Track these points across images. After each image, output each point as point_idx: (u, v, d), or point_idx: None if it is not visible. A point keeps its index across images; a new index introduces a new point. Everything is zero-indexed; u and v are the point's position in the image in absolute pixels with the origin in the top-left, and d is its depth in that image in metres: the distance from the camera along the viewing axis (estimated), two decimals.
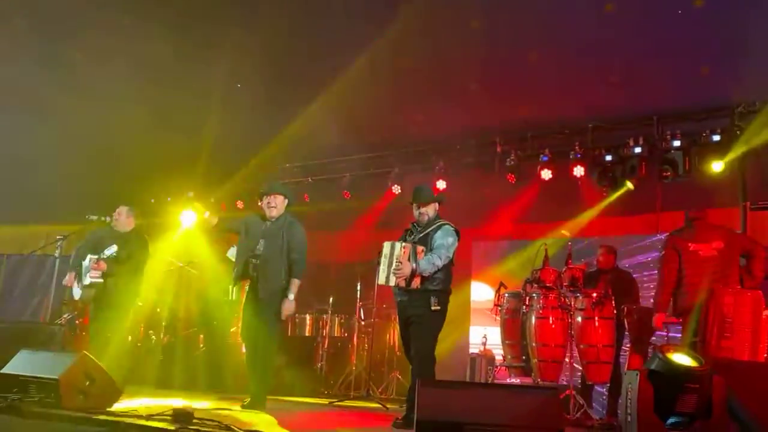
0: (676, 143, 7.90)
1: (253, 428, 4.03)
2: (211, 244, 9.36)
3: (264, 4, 6.60)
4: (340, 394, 8.50)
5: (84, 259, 6.91)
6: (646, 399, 3.83)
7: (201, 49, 7.11)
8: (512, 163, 8.86)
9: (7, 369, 4.97)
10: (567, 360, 6.56)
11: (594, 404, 7.07)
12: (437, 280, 5.36)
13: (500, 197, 9.20)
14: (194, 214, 6.66)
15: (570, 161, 8.45)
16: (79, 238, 7.39)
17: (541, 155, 8.70)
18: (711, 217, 6.26)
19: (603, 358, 6.40)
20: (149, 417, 4.25)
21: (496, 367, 7.74)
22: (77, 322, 8.60)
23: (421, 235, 5.50)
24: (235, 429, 3.97)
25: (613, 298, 6.54)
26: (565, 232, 6.97)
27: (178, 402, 5.57)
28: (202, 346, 9.08)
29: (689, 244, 6.01)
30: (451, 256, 5.41)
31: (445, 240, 5.39)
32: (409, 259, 5.25)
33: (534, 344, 6.52)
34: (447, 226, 5.49)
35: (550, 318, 6.51)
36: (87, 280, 6.82)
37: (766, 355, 5.58)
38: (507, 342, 7.01)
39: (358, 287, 9.19)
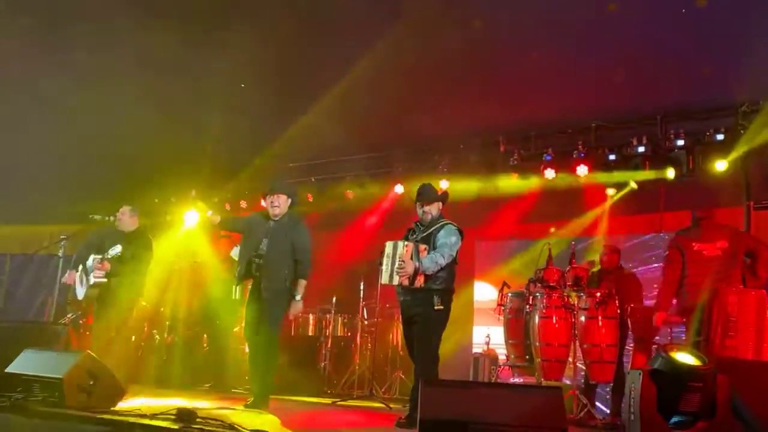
0: (680, 142, 7.88)
1: (256, 428, 4.02)
2: (214, 243, 9.38)
3: (269, 5, 6.60)
4: (344, 393, 8.50)
5: (87, 259, 6.93)
6: (649, 398, 3.82)
7: (206, 49, 7.11)
8: (515, 162, 8.85)
9: (11, 368, 4.97)
10: (570, 359, 6.55)
11: (597, 404, 7.06)
12: (440, 280, 5.35)
13: (503, 197, 9.19)
14: (197, 213, 6.66)
15: (573, 160, 8.42)
16: (83, 238, 7.40)
17: (545, 154, 8.68)
18: (718, 217, 6.26)
19: (606, 357, 6.39)
20: (153, 416, 4.26)
21: (500, 366, 7.74)
22: (81, 321, 8.61)
23: (424, 234, 5.50)
24: (239, 428, 3.97)
25: (616, 297, 6.53)
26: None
27: (182, 401, 5.58)
28: (205, 345, 9.09)
29: (693, 244, 6.01)
30: (454, 255, 5.41)
31: (449, 239, 5.39)
32: (411, 258, 5.25)
33: (537, 344, 6.52)
34: (450, 226, 5.49)
35: (554, 317, 6.50)
36: (91, 280, 6.84)
37: None
38: (510, 341, 7.01)
39: (361, 287, 9.19)
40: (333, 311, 9.36)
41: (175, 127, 8.62)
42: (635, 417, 3.83)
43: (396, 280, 5.28)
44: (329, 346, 9.18)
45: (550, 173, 8.58)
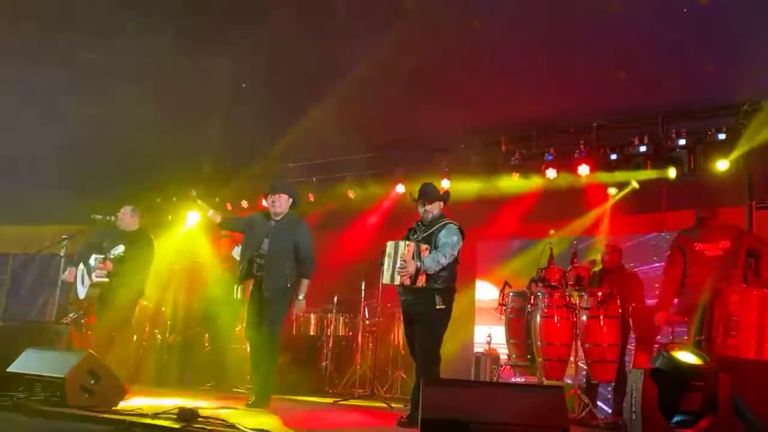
0: (682, 142, 7.86)
1: (258, 427, 4.02)
2: (215, 243, 9.39)
3: (270, 5, 6.61)
4: (345, 393, 8.50)
5: (89, 258, 6.93)
6: (651, 397, 3.81)
7: (207, 48, 7.12)
8: (517, 162, 8.84)
9: (14, 368, 4.99)
10: (572, 359, 6.54)
11: (599, 403, 7.06)
12: (442, 279, 5.35)
13: (505, 196, 9.18)
14: (198, 213, 6.68)
15: (575, 160, 8.41)
16: (84, 238, 7.41)
17: (546, 154, 8.66)
18: (723, 216, 6.26)
19: (608, 357, 6.38)
20: (154, 416, 4.27)
21: (501, 366, 7.74)
22: (83, 321, 8.61)
23: (425, 234, 5.50)
24: (240, 428, 3.97)
25: (618, 297, 6.52)
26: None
27: (183, 401, 5.58)
28: (206, 345, 9.09)
29: (695, 244, 6.02)
30: (455, 254, 5.41)
31: (450, 239, 5.39)
32: (413, 258, 5.25)
33: (539, 343, 6.51)
34: (451, 225, 5.49)
35: (555, 317, 6.50)
36: (93, 280, 6.84)
37: None
38: (512, 341, 7.00)
39: (363, 286, 9.18)
40: (334, 311, 9.36)
41: (176, 127, 8.63)
42: (637, 416, 3.83)
43: (398, 280, 5.28)
44: (330, 345, 9.18)
45: (551, 173, 8.56)
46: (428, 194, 5.57)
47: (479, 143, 9.24)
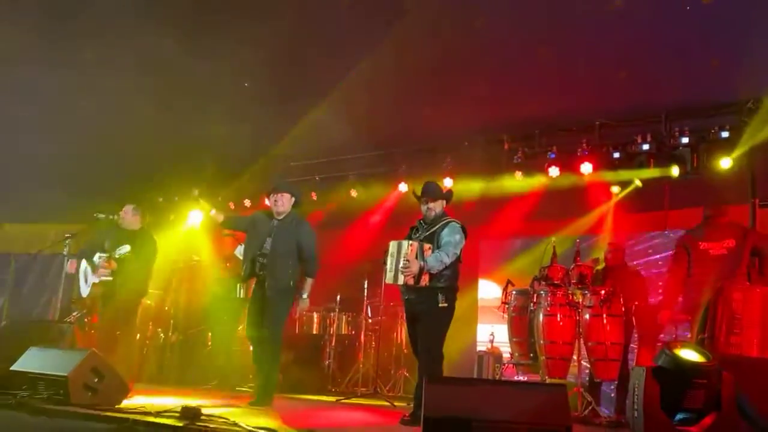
0: (685, 140, 7.85)
1: (260, 425, 4.03)
2: (218, 241, 9.40)
3: (271, 3, 6.61)
4: (348, 391, 8.51)
5: (92, 257, 6.95)
6: (653, 395, 3.81)
7: (209, 48, 7.12)
8: (519, 160, 8.84)
9: (17, 366, 5.01)
10: (575, 357, 6.54)
11: (602, 402, 7.05)
12: (444, 277, 5.35)
13: (508, 195, 9.18)
14: (200, 212, 6.69)
15: (578, 158, 8.40)
16: (87, 237, 7.43)
17: (549, 152, 8.66)
18: (731, 214, 6.26)
19: (611, 355, 6.37)
20: (157, 414, 4.28)
21: (504, 364, 7.73)
22: (86, 320, 8.64)
23: (428, 233, 5.50)
24: (242, 426, 3.98)
25: (621, 295, 6.51)
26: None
27: (186, 399, 5.59)
28: (209, 344, 9.10)
29: (699, 243, 6.04)
30: (458, 253, 5.41)
31: (453, 237, 5.39)
32: (416, 257, 5.24)
33: (542, 341, 6.50)
34: (454, 223, 5.49)
35: (558, 315, 6.48)
36: (96, 278, 6.86)
37: None
38: (514, 339, 6.99)
39: (365, 285, 9.19)
40: (337, 309, 9.36)
41: (178, 127, 8.63)
42: (639, 414, 3.82)
43: (401, 280, 5.28)
44: (333, 344, 9.19)
45: (554, 171, 8.55)
46: (431, 192, 5.57)
47: (482, 142, 9.23)
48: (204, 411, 4.24)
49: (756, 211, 7.63)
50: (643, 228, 8.96)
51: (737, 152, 7.50)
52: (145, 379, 8.02)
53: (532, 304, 6.78)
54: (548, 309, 6.52)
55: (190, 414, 4.12)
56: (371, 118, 8.62)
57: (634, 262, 8.02)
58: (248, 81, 7.83)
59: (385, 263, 5.48)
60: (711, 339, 5.43)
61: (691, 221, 7.05)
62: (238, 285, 8.81)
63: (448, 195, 5.68)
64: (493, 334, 8.44)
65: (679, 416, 3.88)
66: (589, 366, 6.58)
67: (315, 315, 9.55)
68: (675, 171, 7.92)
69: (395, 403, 7.17)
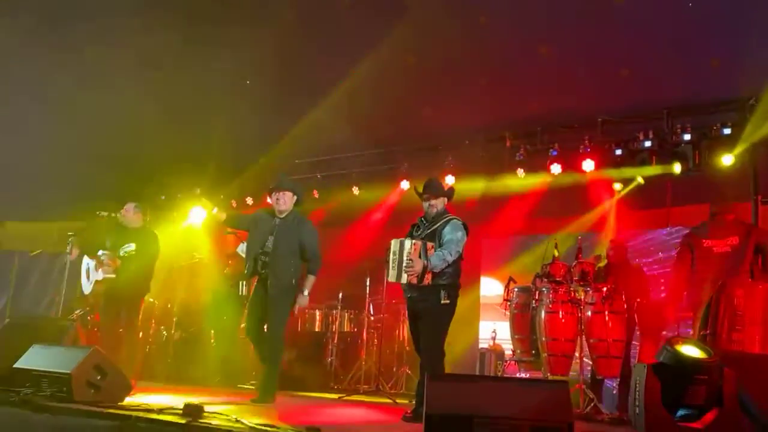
0: (687, 137, 7.85)
1: (263, 422, 4.04)
2: (220, 239, 9.41)
3: (273, 2, 6.61)
4: (350, 388, 8.52)
5: (95, 253, 6.97)
6: (654, 391, 3.81)
7: (211, 46, 7.13)
8: (521, 158, 8.83)
9: (20, 364, 5.02)
10: (577, 354, 6.54)
11: (604, 399, 7.05)
12: (447, 275, 5.36)
13: (510, 192, 9.18)
14: (203, 210, 6.70)
15: (579, 155, 8.40)
16: (90, 234, 7.44)
17: (551, 150, 8.65)
18: (737, 212, 6.27)
19: (613, 352, 6.36)
20: (160, 411, 4.29)
21: (506, 361, 7.73)
22: (89, 318, 8.67)
23: (429, 230, 5.50)
24: (245, 423, 3.98)
25: (623, 292, 6.51)
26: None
27: (189, 396, 5.60)
28: (212, 341, 9.12)
29: (703, 241, 6.05)
30: (460, 250, 5.41)
31: (454, 235, 5.39)
32: (420, 256, 5.25)
33: (544, 339, 6.50)
34: (455, 221, 5.49)
35: (560, 312, 6.48)
36: (99, 276, 6.87)
37: None
38: (516, 336, 6.99)
39: (368, 283, 9.20)
40: (339, 307, 9.37)
41: (180, 125, 8.65)
42: (640, 410, 3.83)
43: (404, 279, 5.28)
44: (336, 341, 9.20)
45: (556, 168, 8.55)
46: (433, 188, 5.58)
47: (483, 139, 9.23)
48: (206, 408, 4.25)
49: (758, 208, 7.63)
50: (645, 225, 8.95)
51: (739, 149, 7.49)
52: (148, 377, 8.03)
53: (534, 302, 6.78)
54: (550, 306, 6.52)
55: (193, 411, 4.13)
56: (373, 116, 8.63)
57: (636, 259, 8.02)
58: (250, 79, 7.84)
59: (387, 261, 5.48)
60: (713, 336, 5.43)
61: (693, 218, 7.06)
62: (240, 283, 8.83)
63: (449, 192, 5.68)
64: (495, 331, 8.43)
65: (680, 412, 3.88)
66: (591, 363, 6.57)
67: (317, 312, 9.56)
68: (677, 168, 7.90)
69: (397, 400, 7.18)
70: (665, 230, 8.64)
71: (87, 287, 7.10)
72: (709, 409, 3.85)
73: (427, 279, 5.26)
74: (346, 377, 9.01)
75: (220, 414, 4.24)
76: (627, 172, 8.38)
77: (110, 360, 5.00)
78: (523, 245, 9.41)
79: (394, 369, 9.08)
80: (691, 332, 5.99)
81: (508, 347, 7.70)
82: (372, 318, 9.33)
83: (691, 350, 3.96)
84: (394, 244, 5.41)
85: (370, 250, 9.02)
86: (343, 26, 6.93)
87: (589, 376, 6.68)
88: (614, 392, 7.15)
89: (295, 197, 6.24)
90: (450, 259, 5.29)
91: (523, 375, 7.28)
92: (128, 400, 4.88)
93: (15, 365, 5.01)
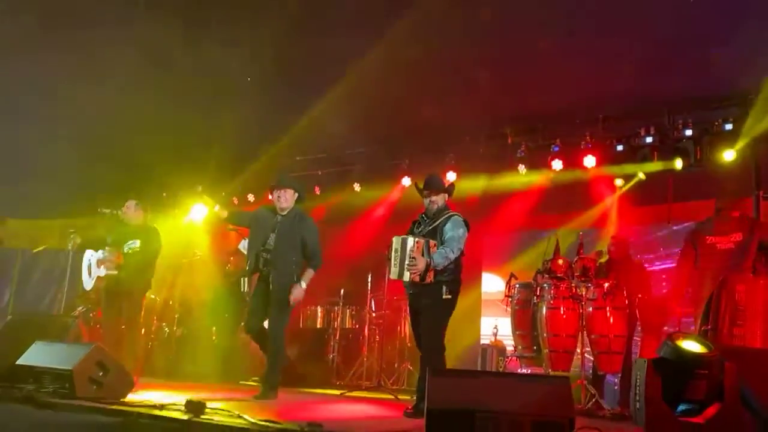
0: (688, 132, 7.84)
1: (265, 418, 4.04)
2: (222, 236, 9.42)
3: None
4: (352, 384, 8.54)
5: (97, 249, 6.98)
6: (655, 386, 3.81)
7: (213, 43, 7.13)
8: (523, 154, 8.83)
9: (23, 360, 5.03)
10: (578, 350, 6.54)
11: (606, 394, 7.05)
12: (448, 271, 5.37)
13: (511, 189, 9.18)
14: (204, 207, 6.71)
15: (581, 151, 8.40)
16: (92, 231, 7.46)
17: (552, 146, 8.65)
18: (742, 208, 6.28)
19: (614, 348, 6.38)
20: (162, 407, 4.30)
21: (507, 357, 7.74)
22: (91, 315, 8.68)
23: (430, 227, 5.50)
24: (247, 419, 3.99)
25: (624, 288, 6.51)
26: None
27: (191, 393, 5.61)
28: (214, 338, 9.14)
29: (706, 238, 6.07)
30: (462, 247, 5.42)
31: (456, 232, 5.39)
32: (422, 254, 5.25)
33: (545, 334, 6.51)
34: (456, 217, 5.49)
35: (562, 308, 6.49)
36: (102, 272, 6.88)
37: None
38: (518, 332, 7.00)
39: (369, 279, 9.21)
40: (341, 303, 9.39)
41: (181, 121, 8.64)
42: (641, 405, 3.83)
43: (407, 277, 5.28)
44: (337, 338, 9.22)
45: (557, 164, 8.54)
46: (434, 185, 5.58)
47: (485, 136, 9.22)
48: (208, 404, 4.26)
49: (760, 203, 7.63)
50: (646, 221, 8.95)
51: (740, 144, 7.48)
52: (150, 373, 8.04)
53: (535, 297, 6.79)
54: (551, 302, 6.53)
55: (195, 407, 4.13)
56: (374, 112, 8.62)
57: (638, 256, 8.02)
58: (251, 75, 7.83)
59: (389, 258, 5.49)
60: (714, 331, 5.44)
61: (695, 214, 7.06)
62: (242, 279, 8.82)
63: (450, 188, 5.68)
64: (496, 327, 8.44)
65: (681, 407, 3.89)
66: (592, 359, 6.58)
67: (319, 309, 9.59)
68: (678, 164, 7.90)
69: (399, 396, 7.19)
70: (667, 226, 8.63)
71: (88, 283, 7.11)
72: (710, 403, 3.85)
73: (430, 277, 5.27)
74: (348, 373, 9.02)
75: (222, 410, 4.25)
76: (628, 168, 8.37)
77: (112, 356, 5.02)
78: (525, 242, 9.40)
79: (396, 365, 9.09)
80: (693, 328, 6.00)
81: (509, 343, 7.71)
82: (373, 314, 9.35)
83: (691, 345, 3.96)
84: (396, 241, 5.41)
85: (371, 247, 9.02)
86: (344, 22, 6.92)
87: (591, 371, 6.70)
88: (615, 388, 7.16)
89: (297, 194, 6.25)
90: (452, 256, 5.30)
91: (524, 371, 7.29)
92: (130, 397, 4.88)
93: (18, 362, 5.02)
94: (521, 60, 7.46)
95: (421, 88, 8.11)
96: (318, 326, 9.53)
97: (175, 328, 9.32)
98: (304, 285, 6.05)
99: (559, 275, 6.66)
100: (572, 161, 8.50)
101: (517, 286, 7.07)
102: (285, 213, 6.18)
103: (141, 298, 7.24)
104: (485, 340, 9.00)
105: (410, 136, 9.63)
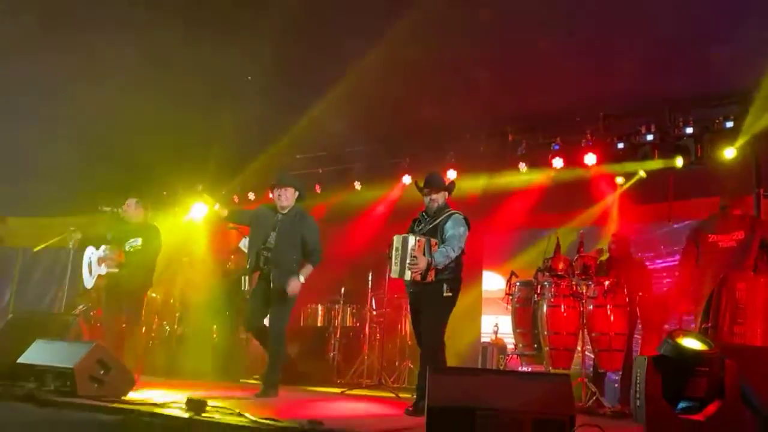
0: (689, 130, 7.84)
1: (266, 416, 4.05)
2: (223, 235, 9.43)
3: None
4: (353, 383, 8.55)
5: (98, 247, 6.99)
6: (655, 384, 3.81)
7: (212, 41, 7.13)
8: (523, 152, 8.83)
9: (24, 359, 5.04)
10: (579, 348, 6.54)
11: (607, 392, 7.06)
12: (449, 269, 5.39)
13: (512, 187, 9.18)
14: (204, 206, 6.72)
15: (581, 149, 8.39)
16: (92, 229, 7.47)
17: (553, 144, 8.65)
18: (745, 206, 6.29)
19: (615, 346, 6.37)
20: (163, 405, 4.30)
21: (508, 355, 7.74)
22: (92, 313, 8.69)
23: (431, 225, 5.51)
24: (248, 417, 4.00)
25: (624, 286, 6.52)
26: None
27: (192, 391, 5.61)
28: (215, 336, 9.15)
29: (708, 236, 6.07)
30: (463, 245, 5.42)
31: (457, 230, 5.40)
32: (424, 254, 5.25)
33: (545, 332, 6.51)
34: (457, 215, 5.50)
35: (562, 306, 6.49)
36: (103, 270, 6.89)
37: None
38: (518, 330, 7.00)
39: (370, 278, 9.21)
40: (342, 302, 9.40)
41: (182, 121, 8.65)
42: (641, 403, 3.83)
43: (408, 276, 5.29)
44: (338, 336, 9.23)
45: (558, 162, 8.55)
46: (434, 183, 5.58)
47: (485, 134, 9.22)
48: (209, 402, 4.27)
49: (761, 201, 7.62)
50: (647, 219, 8.95)
51: (740, 142, 7.47)
52: (151, 372, 8.05)
53: (536, 296, 6.79)
54: (552, 300, 6.53)
55: (196, 405, 4.13)
56: (374, 110, 8.62)
57: (639, 254, 8.02)
58: (251, 74, 7.83)
59: (389, 257, 5.50)
60: (714, 329, 5.44)
61: (696, 212, 7.06)
62: (243, 278, 8.83)
63: (450, 187, 5.69)
64: (497, 325, 8.45)
65: (681, 405, 3.89)
66: (593, 356, 6.59)
67: (320, 307, 9.59)
68: (679, 162, 7.90)
69: (400, 395, 7.19)
70: (667, 224, 8.63)
71: (89, 282, 7.12)
72: (710, 401, 3.85)
73: (431, 276, 5.28)
74: (349, 372, 9.03)
75: (223, 408, 4.25)
76: (629, 166, 8.37)
77: (113, 355, 5.02)
78: (526, 240, 9.40)
79: (397, 363, 9.10)
80: (694, 326, 6.00)
81: (510, 341, 7.72)
82: (374, 313, 9.35)
83: (692, 342, 3.96)
84: (397, 240, 5.42)
85: (372, 245, 9.03)
86: (345, 20, 6.92)
87: (591, 369, 6.70)
88: (616, 386, 7.16)
89: (297, 193, 6.25)
90: (453, 255, 5.31)
91: (525, 369, 7.29)
92: (131, 395, 4.89)
93: (19, 360, 5.03)
94: (521, 59, 7.45)
95: (422, 86, 8.12)
96: (319, 324, 9.54)
97: (175, 327, 9.33)
98: (302, 279, 6.04)
99: (559, 273, 6.66)
100: (573, 159, 8.50)
101: (518, 284, 7.07)
102: (286, 211, 6.18)
103: (142, 296, 7.25)
104: (486, 338, 9.01)
105: (411, 135, 9.63)
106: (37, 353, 5.06)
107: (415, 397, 5.63)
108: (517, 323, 7.02)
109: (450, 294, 5.35)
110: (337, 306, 9.43)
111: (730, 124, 7.61)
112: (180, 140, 9.03)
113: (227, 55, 7.29)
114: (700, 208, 7.72)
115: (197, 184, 10.03)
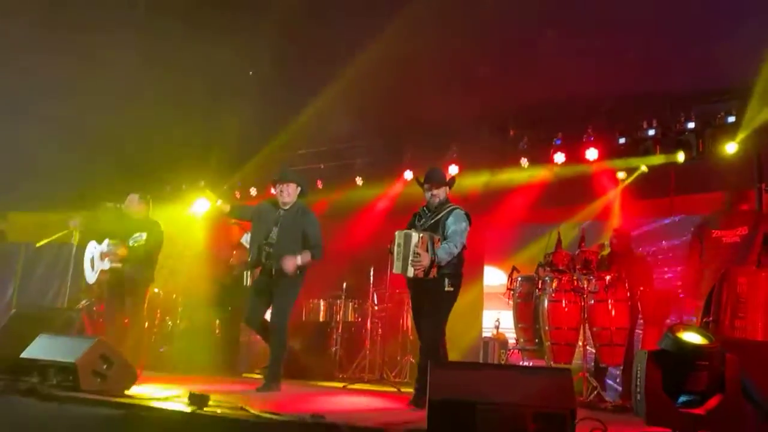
0: (690, 125, 7.84)
1: (268, 411, 4.06)
2: (225, 230, 9.44)
3: None
4: (355, 377, 8.57)
5: (100, 242, 7.00)
6: (655, 378, 3.81)
7: (214, 37, 7.13)
8: (525, 147, 8.82)
9: (27, 353, 5.05)
10: (580, 343, 6.55)
11: (608, 387, 7.07)
12: (450, 264, 5.39)
13: (514, 182, 9.18)
14: (207, 202, 6.72)
15: (583, 144, 8.39)
16: (95, 224, 7.48)
17: (554, 139, 8.65)
18: (750, 201, 6.30)
19: (616, 340, 6.38)
20: (166, 400, 4.32)
21: (509, 350, 7.76)
22: (94, 308, 8.70)
23: (432, 221, 5.51)
24: (250, 411, 4.01)
25: (626, 280, 6.52)
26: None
27: (194, 386, 5.63)
28: (217, 331, 9.16)
29: (712, 231, 6.10)
30: (464, 241, 5.43)
31: (459, 226, 5.40)
32: (426, 250, 5.25)
33: (547, 327, 6.52)
34: (458, 211, 5.50)
35: (563, 301, 6.50)
36: (105, 265, 6.90)
37: None
38: (520, 325, 7.01)
39: (371, 273, 9.22)
40: (343, 297, 9.40)
41: (184, 117, 8.66)
42: (641, 397, 3.84)
43: (411, 272, 5.29)
44: (340, 331, 9.24)
45: (560, 157, 8.54)
46: (436, 178, 5.58)
47: (487, 129, 9.22)
48: (212, 397, 4.28)
49: (762, 196, 7.62)
50: (649, 214, 8.95)
51: (740, 136, 7.47)
52: (153, 366, 8.06)
53: (537, 290, 6.80)
54: (553, 295, 6.53)
55: (198, 400, 4.14)
56: (376, 106, 8.62)
57: (640, 248, 8.02)
58: (253, 70, 7.84)
59: (391, 253, 5.49)
60: (716, 323, 5.44)
61: (698, 207, 7.06)
62: (245, 273, 8.86)
63: (451, 181, 5.69)
64: (498, 320, 8.46)
65: (682, 399, 3.89)
66: (594, 351, 6.59)
67: (322, 302, 9.61)
68: (681, 157, 7.90)
69: (401, 389, 7.20)
70: (669, 219, 8.63)
71: (91, 277, 7.13)
72: (711, 395, 3.85)
73: (433, 272, 5.28)
74: (351, 366, 9.05)
75: (226, 402, 4.27)
76: (631, 161, 8.37)
77: (116, 349, 5.03)
78: (527, 235, 9.40)
79: (398, 358, 9.11)
80: (695, 320, 6.01)
81: (511, 336, 7.73)
82: (376, 308, 9.36)
83: (692, 336, 3.96)
84: (399, 236, 5.41)
85: (373, 241, 9.03)
86: (347, 15, 6.92)
87: (593, 364, 6.71)
88: (617, 380, 7.17)
89: (299, 189, 6.25)
90: (456, 251, 5.32)
91: (526, 363, 7.30)
92: (134, 390, 4.91)
93: (22, 355, 5.04)
94: (523, 54, 7.46)
95: (423, 82, 8.12)
96: (321, 319, 9.56)
97: (178, 322, 9.35)
98: (299, 260, 5.93)
99: (560, 268, 6.67)
100: (574, 154, 8.50)
101: (519, 279, 7.08)
102: (287, 207, 6.19)
103: (144, 291, 7.25)
104: (487, 333, 9.02)
105: (412, 130, 9.64)
106: (40, 348, 5.07)
107: (415, 391, 5.64)
108: (518, 318, 7.03)
109: (451, 289, 5.35)
110: (339, 301, 9.44)
111: (731, 119, 7.62)
112: (182, 136, 9.04)
113: (227, 53, 7.30)
114: (701, 203, 7.73)
115: (199, 180, 10.06)
